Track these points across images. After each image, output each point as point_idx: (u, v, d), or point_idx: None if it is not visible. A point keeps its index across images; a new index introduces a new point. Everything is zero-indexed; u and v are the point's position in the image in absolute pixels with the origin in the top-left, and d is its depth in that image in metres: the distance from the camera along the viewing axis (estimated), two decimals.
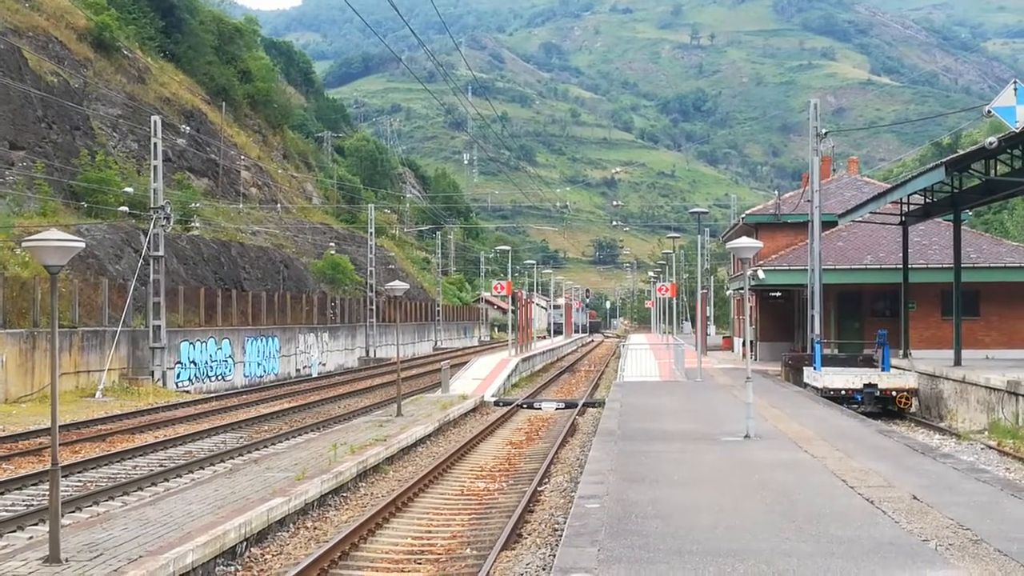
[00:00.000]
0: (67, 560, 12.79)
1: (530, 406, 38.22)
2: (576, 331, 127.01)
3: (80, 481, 22.49)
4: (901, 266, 41.65)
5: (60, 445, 13.96)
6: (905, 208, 40.06)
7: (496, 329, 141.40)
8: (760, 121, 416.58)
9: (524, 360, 56.62)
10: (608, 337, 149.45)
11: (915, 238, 45.07)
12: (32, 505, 19.35)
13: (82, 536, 14.33)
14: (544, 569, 13.64)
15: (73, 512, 18.55)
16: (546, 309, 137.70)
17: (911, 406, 33.28)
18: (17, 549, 13.85)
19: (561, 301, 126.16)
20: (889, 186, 41.07)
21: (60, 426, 14.50)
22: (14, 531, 17.14)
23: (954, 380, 31.92)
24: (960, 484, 16.98)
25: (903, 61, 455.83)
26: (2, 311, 40.04)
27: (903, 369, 34.86)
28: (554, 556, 13.10)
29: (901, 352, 39.41)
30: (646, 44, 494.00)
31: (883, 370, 34.12)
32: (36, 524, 17.47)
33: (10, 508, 19.40)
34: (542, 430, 31.18)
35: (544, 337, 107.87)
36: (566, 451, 25.74)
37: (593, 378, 54.09)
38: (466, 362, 56.58)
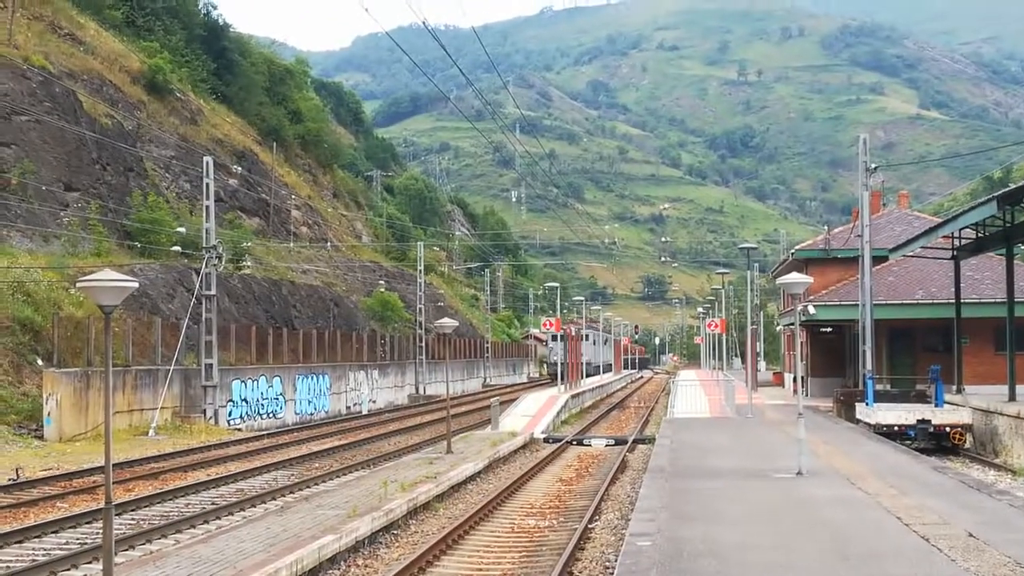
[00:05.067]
0: None
1: (580, 443, 38.13)
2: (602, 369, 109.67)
3: (133, 519, 22.64)
4: (953, 301, 41.27)
5: (114, 483, 14.09)
6: (957, 242, 39.74)
7: (545, 365, 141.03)
8: (808, 156, 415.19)
9: (573, 397, 56.50)
10: (657, 373, 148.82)
11: (967, 272, 44.65)
12: (86, 543, 19.48)
13: (135, 574, 14.45)
14: None
15: (127, 550, 18.67)
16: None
17: (965, 442, 32.92)
18: None
19: (570, 329, 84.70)
20: (940, 220, 40.76)
21: (114, 464, 14.64)
22: (68, 569, 17.28)
23: (1009, 416, 31.54)
24: (1017, 521, 16.79)
25: (952, 95, 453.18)
26: (57, 350, 40.56)
27: (956, 405, 34.51)
28: None
29: (954, 387, 38.99)
30: (693, 81, 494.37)
31: (936, 406, 33.76)
32: (90, 562, 17.60)
33: (64, 546, 19.56)
34: (592, 467, 31.10)
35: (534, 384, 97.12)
36: (616, 488, 25.66)
37: (643, 415, 53.89)
38: (515, 399, 56.54)
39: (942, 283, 46.03)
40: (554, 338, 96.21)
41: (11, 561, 18.22)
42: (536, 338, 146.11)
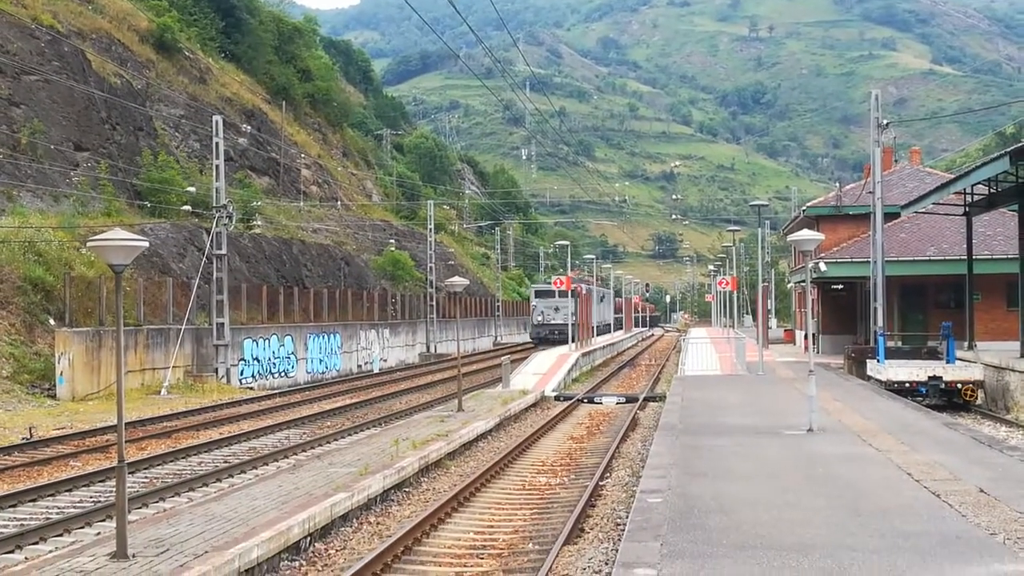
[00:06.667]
0: (134, 556, 12.96)
1: (591, 401, 38.17)
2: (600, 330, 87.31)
3: (146, 477, 22.74)
4: (965, 257, 41.12)
5: (126, 442, 14.14)
6: (969, 199, 39.52)
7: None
8: (820, 113, 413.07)
9: (584, 355, 56.54)
10: (668, 331, 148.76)
11: (979, 229, 44.47)
12: (99, 501, 19.59)
13: (149, 532, 14.50)
14: (607, 564, 13.63)
15: (140, 508, 18.76)
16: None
17: (977, 398, 32.89)
18: (85, 545, 14.05)
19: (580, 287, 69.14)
20: (952, 176, 40.55)
21: (126, 423, 14.69)
22: (82, 527, 17.37)
23: (1020, 372, 31.47)
24: None
25: (965, 50, 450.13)
26: (68, 310, 40.65)
27: (968, 361, 34.44)
28: (616, 551, 13.09)
29: (966, 344, 38.91)
30: (704, 37, 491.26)
31: (948, 362, 33.72)
32: (103, 520, 17.70)
33: (78, 504, 19.67)
34: (603, 424, 31.14)
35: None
36: (627, 446, 25.70)
37: (654, 372, 53.92)
38: (526, 357, 56.59)
39: (954, 239, 45.85)
40: (539, 295, 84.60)
41: (25, 519, 18.34)
42: None
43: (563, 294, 71.61)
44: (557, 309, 78.86)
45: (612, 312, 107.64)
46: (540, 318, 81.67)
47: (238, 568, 13.08)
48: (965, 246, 41.15)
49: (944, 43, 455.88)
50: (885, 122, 40.68)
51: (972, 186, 36.51)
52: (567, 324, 70.47)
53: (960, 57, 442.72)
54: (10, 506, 19.33)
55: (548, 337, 77.42)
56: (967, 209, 40.24)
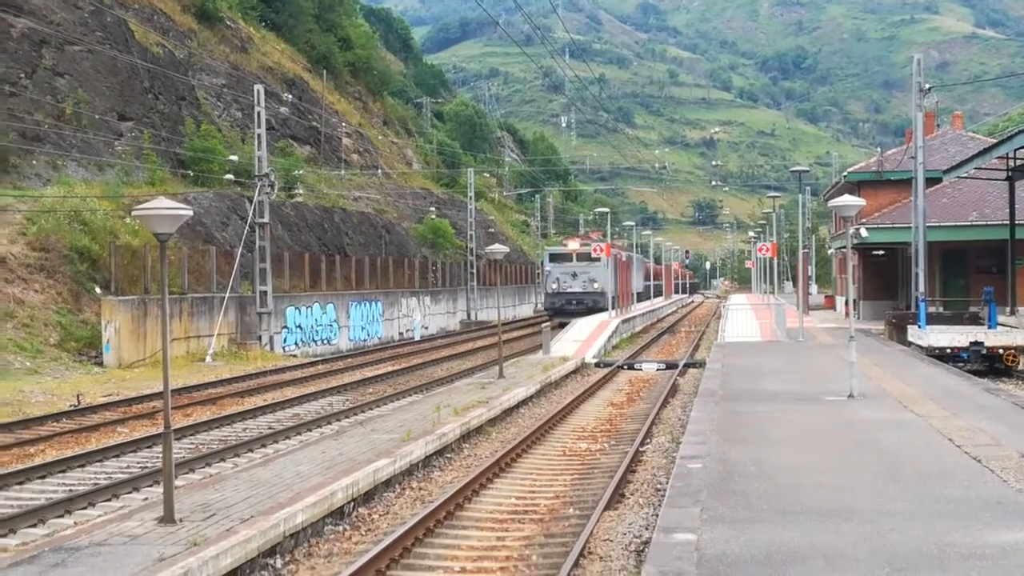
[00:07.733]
0: (181, 520, 13.14)
1: (631, 367, 38.21)
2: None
3: (192, 443, 23.04)
4: (1008, 222, 40.81)
5: (172, 409, 14.34)
6: (1012, 163, 39.19)
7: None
8: (862, 77, 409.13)
9: (624, 322, 56.52)
10: (708, 298, 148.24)
11: (1022, 193, 44.08)
12: (146, 467, 19.87)
13: (195, 497, 14.72)
14: (647, 529, 13.71)
15: (186, 473, 19.04)
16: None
17: (1019, 364, 32.69)
18: (133, 510, 14.28)
19: (575, 245, 70.04)
20: (995, 141, 40.18)
21: (172, 390, 14.90)
22: (130, 492, 17.65)
23: None
24: None
25: (1008, 13, 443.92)
26: (114, 279, 41.11)
27: (1010, 326, 34.27)
28: (657, 516, 13.19)
29: (1008, 309, 38.69)
30: (744, 2, 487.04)
31: (989, 328, 33.57)
32: (151, 485, 17.96)
33: (126, 470, 19.97)
34: (643, 391, 31.20)
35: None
36: (667, 412, 25.76)
37: (694, 339, 53.86)
38: (567, 324, 56.65)
39: (996, 204, 45.49)
40: (553, 258, 70.79)
41: (74, 484, 18.65)
42: None
43: (582, 257, 65.69)
44: (575, 275, 67.50)
45: (643, 279, 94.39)
46: (555, 286, 68.26)
47: (283, 532, 13.28)
48: (1008, 211, 40.83)
49: (987, 6, 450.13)
50: (927, 86, 40.38)
51: (1015, 150, 36.19)
52: (587, 293, 65.86)
53: (1003, 20, 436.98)
54: (59, 472, 19.66)
55: (564, 308, 66.23)
56: (1010, 174, 39.88)
